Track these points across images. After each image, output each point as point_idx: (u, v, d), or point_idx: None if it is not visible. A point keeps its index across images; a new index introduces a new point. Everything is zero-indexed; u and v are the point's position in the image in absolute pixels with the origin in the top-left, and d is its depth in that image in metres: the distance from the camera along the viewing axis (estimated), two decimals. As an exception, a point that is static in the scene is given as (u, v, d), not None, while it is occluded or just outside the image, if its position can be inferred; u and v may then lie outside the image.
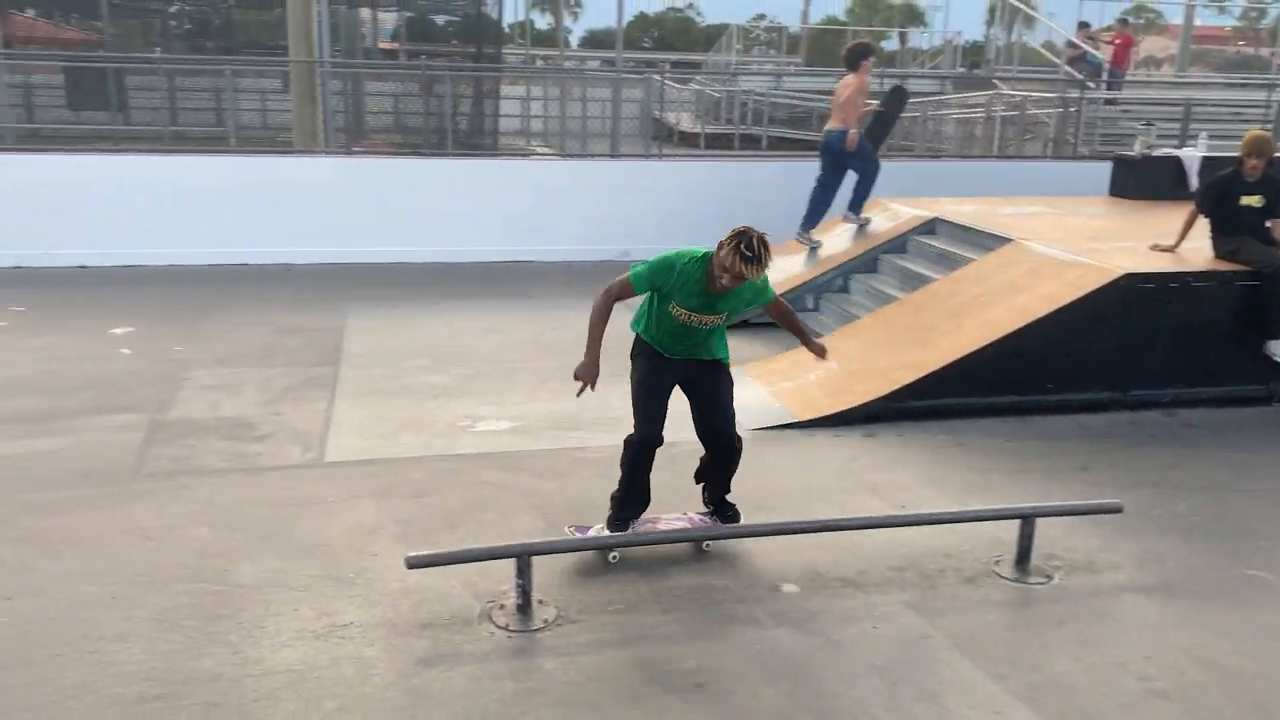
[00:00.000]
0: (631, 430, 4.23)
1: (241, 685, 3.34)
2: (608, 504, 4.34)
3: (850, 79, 8.17)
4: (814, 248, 8.38)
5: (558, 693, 3.36)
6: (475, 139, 14.46)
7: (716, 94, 18.93)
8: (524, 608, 3.77)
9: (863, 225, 8.37)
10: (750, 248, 3.84)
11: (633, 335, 4.31)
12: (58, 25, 20.07)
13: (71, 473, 4.91)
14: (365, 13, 20.00)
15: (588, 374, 4.17)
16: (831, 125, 8.33)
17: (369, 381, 6.42)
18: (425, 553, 3.82)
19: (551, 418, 5.91)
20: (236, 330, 7.50)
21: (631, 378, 4.30)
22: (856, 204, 8.44)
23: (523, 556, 3.77)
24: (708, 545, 4.36)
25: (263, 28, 22.07)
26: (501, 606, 3.82)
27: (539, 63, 24.11)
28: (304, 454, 5.28)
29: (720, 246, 3.92)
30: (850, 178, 8.45)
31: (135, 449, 5.24)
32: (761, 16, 44.68)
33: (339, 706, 3.25)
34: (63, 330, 7.41)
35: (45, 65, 15.75)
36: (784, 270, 8.22)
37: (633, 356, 4.33)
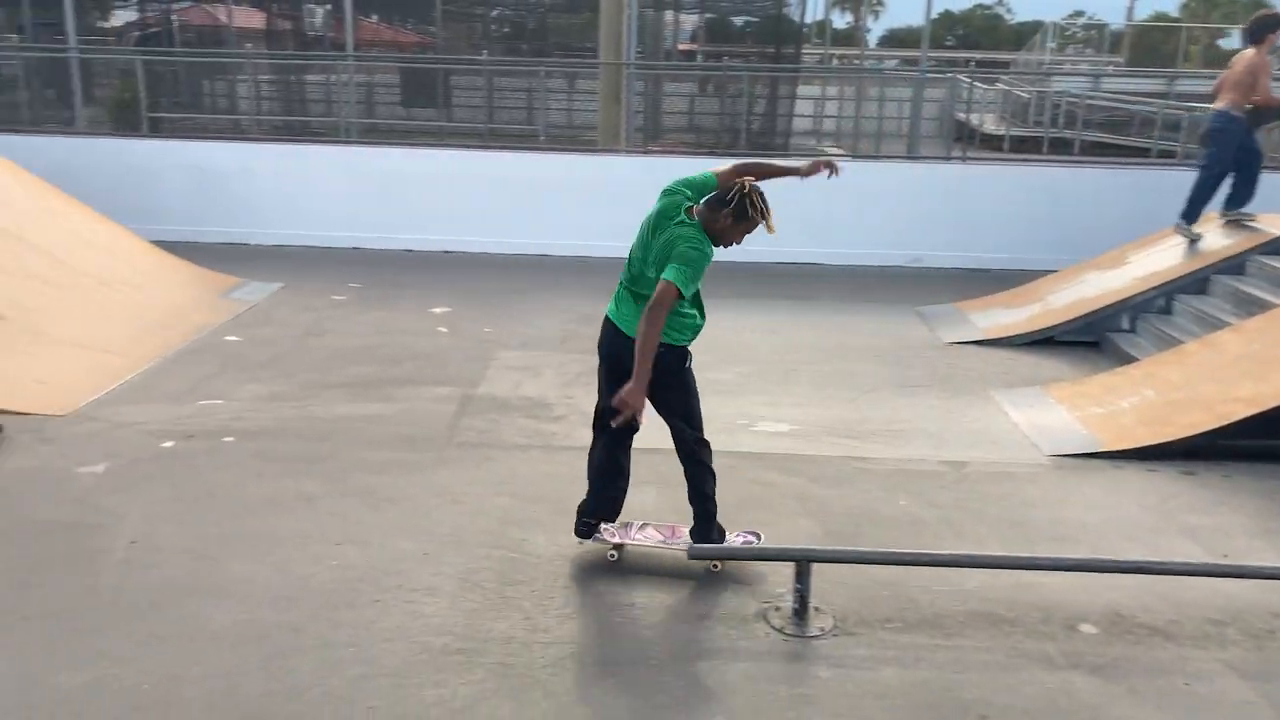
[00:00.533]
0: (697, 434, 4.09)
1: (531, 650, 3.55)
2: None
3: (1249, 53, 7.21)
4: (1194, 240, 7.58)
5: (832, 703, 3.31)
6: (766, 139, 14.52)
7: (1025, 95, 17.89)
8: (801, 613, 3.74)
9: (1195, 240, 7.57)
10: (766, 203, 3.74)
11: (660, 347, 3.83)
12: (397, 30, 22.20)
13: (395, 436, 5.42)
14: (668, 15, 20.60)
15: (639, 402, 3.74)
16: (1216, 106, 7.50)
17: (656, 373, 6.62)
18: (707, 545, 3.88)
19: (830, 424, 5.83)
20: (539, 316, 7.98)
21: (688, 387, 4.08)
22: (1192, 213, 7.60)
23: (803, 561, 3.75)
24: (717, 566, 4.08)
25: (572, 31, 23.33)
26: (777, 609, 3.82)
27: (835, 62, 23.85)
28: (590, 436, 5.51)
29: (725, 214, 3.73)
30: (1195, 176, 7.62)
31: (448, 419, 5.71)
32: (1079, 13, 41.74)
33: (618, 684, 3.37)
34: (390, 307, 8.20)
35: (384, 66, 17.43)
36: (1098, 285, 7.64)
37: (676, 371, 4.00)
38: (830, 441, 5.54)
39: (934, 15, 12.05)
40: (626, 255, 3.97)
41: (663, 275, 3.68)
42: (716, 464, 5.11)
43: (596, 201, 10.34)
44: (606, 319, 4.04)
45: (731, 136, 12.70)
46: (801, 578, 3.74)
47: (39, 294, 6.80)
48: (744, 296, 8.87)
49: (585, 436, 5.48)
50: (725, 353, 7.12)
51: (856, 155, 12.74)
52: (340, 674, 3.37)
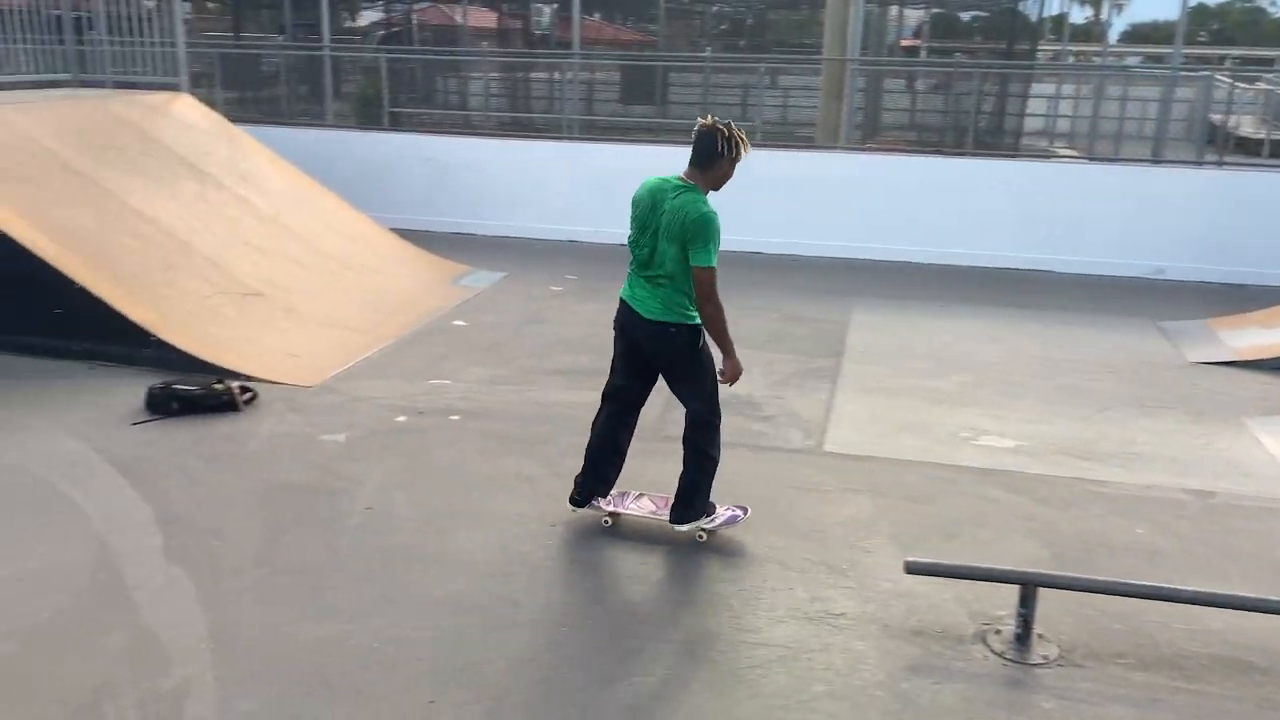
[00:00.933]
0: (712, 417, 4.21)
1: (738, 649, 3.54)
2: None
3: None
4: None
5: (1056, 738, 3.13)
6: (994, 138, 13.89)
7: (1292, 94, 16.24)
8: (1023, 638, 3.55)
9: None
10: (741, 130, 3.95)
11: (676, 327, 4.06)
12: (618, 28, 22.71)
13: (607, 425, 5.54)
14: (893, 10, 20.05)
15: (738, 367, 4.16)
16: None
17: (870, 378, 6.47)
18: (925, 560, 3.75)
19: (1060, 442, 5.50)
20: (748, 314, 7.93)
21: (705, 368, 4.15)
22: None
23: (1028, 585, 3.55)
24: (703, 535, 4.25)
25: (789, 27, 23.11)
26: (998, 631, 3.64)
27: (1071, 59, 22.49)
28: (804, 440, 5.45)
29: (723, 162, 3.93)
30: None
31: (657, 412, 5.74)
32: (1359, 3, 37.47)
33: (827, 692, 3.31)
34: (604, 299, 8.29)
35: (605, 64, 17.86)
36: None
37: (700, 346, 4.13)
38: (1060, 460, 5.22)
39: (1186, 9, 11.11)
40: (641, 246, 4.10)
41: (694, 264, 3.88)
42: (934, 476, 4.95)
43: (810, 199, 10.23)
44: (623, 301, 4.21)
45: (956, 135, 12.22)
46: (1026, 602, 3.54)
47: (293, 274, 7.40)
48: (966, 302, 8.52)
49: (795, 439, 5.48)
50: (945, 360, 6.86)
51: (1093, 157, 11.99)
52: (555, 652, 3.48)
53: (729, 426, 5.56)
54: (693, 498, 4.22)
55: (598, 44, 20.49)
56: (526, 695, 3.25)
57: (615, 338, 4.28)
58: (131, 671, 3.32)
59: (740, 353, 6.66)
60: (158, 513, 4.40)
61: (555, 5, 20.31)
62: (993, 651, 3.54)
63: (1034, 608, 3.54)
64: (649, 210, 4.01)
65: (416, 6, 21.54)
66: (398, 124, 12.92)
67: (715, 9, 22.83)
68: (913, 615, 3.75)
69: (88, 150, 7.25)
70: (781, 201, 10.29)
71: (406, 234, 9.43)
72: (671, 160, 10.77)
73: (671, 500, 4.28)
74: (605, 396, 4.34)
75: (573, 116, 12.75)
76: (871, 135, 13.91)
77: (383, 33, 21.51)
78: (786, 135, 14.80)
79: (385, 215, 9.80)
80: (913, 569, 3.67)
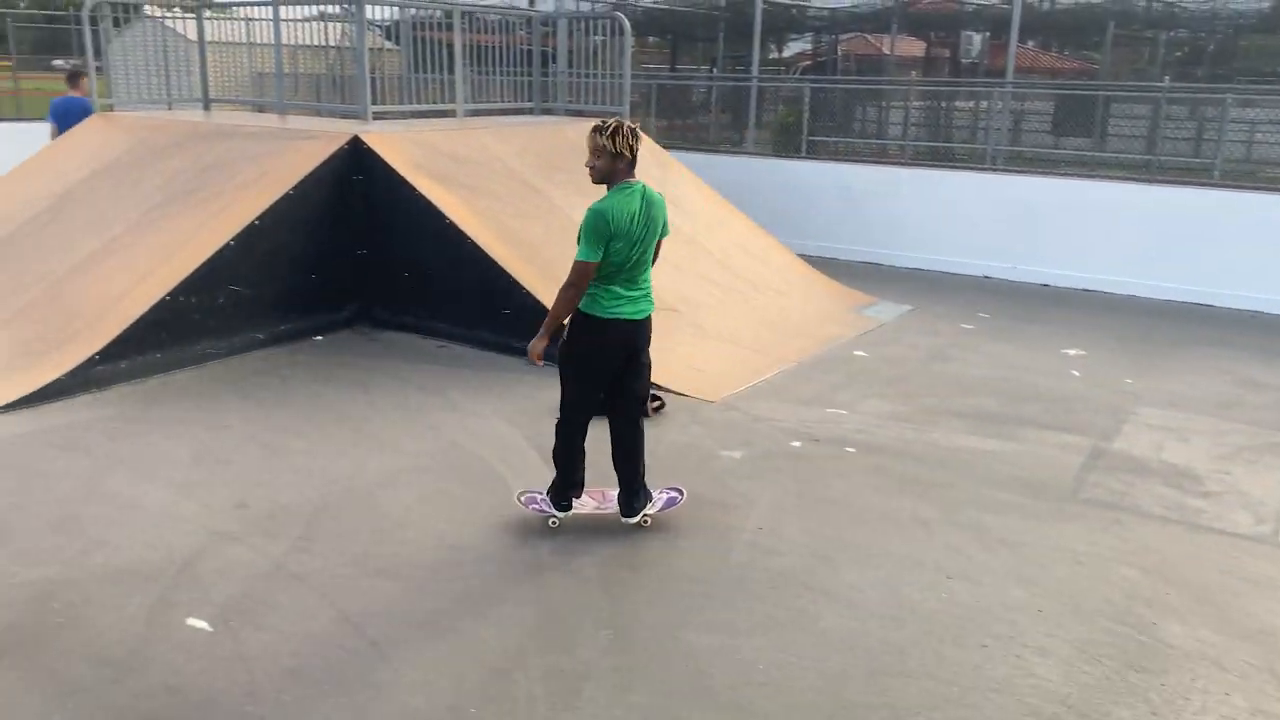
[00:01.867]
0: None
1: (1156, 751, 3.12)
2: None
3: None
4: None
5: None
6: None
7: None
8: None
9: None
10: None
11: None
12: (1055, 56, 21.33)
13: (1013, 478, 5.17)
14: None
15: None
16: None
17: (1346, 462, 5.45)
18: None
19: None
20: (1192, 374, 7.06)
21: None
22: None
23: None
24: (647, 520, 4.49)
25: (1262, 53, 20.33)
26: None
27: None
28: (1255, 525, 4.71)
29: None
30: None
31: (1074, 471, 5.29)
32: None
33: (1270, 828, 2.81)
34: (1018, 341, 7.87)
35: (1037, 93, 16.83)
36: None
37: None
38: None
39: None
40: (634, 259, 4.19)
41: (664, 236, 4.34)
42: None
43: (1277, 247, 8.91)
44: (623, 320, 4.20)
45: None
46: None
47: (704, 292, 7.74)
48: None
49: (1243, 523, 4.76)
50: None
51: None
52: (944, 711, 3.28)
53: (1159, 498, 4.99)
54: (639, 486, 4.44)
55: (1031, 72, 19.41)
56: (908, 751, 3.09)
57: (604, 364, 4.27)
58: (539, 646, 3.61)
59: (1182, 416, 6.00)
60: (571, 502, 4.76)
61: (987, 34, 19.53)
62: None
63: None
64: (633, 224, 4.14)
65: (843, 37, 21.74)
66: (813, 152, 13.08)
67: (1170, 34, 20.69)
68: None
69: (542, 170, 8.11)
70: (1242, 249, 9.08)
71: (813, 260, 9.51)
72: (1106, 197, 10.01)
73: (617, 494, 4.49)
74: (581, 419, 4.40)
75: (998, 147, 12.16)
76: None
77: (807, 63, 21.97)
78: (1250, 175, 13.02)
79: (793, 240, 9.96)
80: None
